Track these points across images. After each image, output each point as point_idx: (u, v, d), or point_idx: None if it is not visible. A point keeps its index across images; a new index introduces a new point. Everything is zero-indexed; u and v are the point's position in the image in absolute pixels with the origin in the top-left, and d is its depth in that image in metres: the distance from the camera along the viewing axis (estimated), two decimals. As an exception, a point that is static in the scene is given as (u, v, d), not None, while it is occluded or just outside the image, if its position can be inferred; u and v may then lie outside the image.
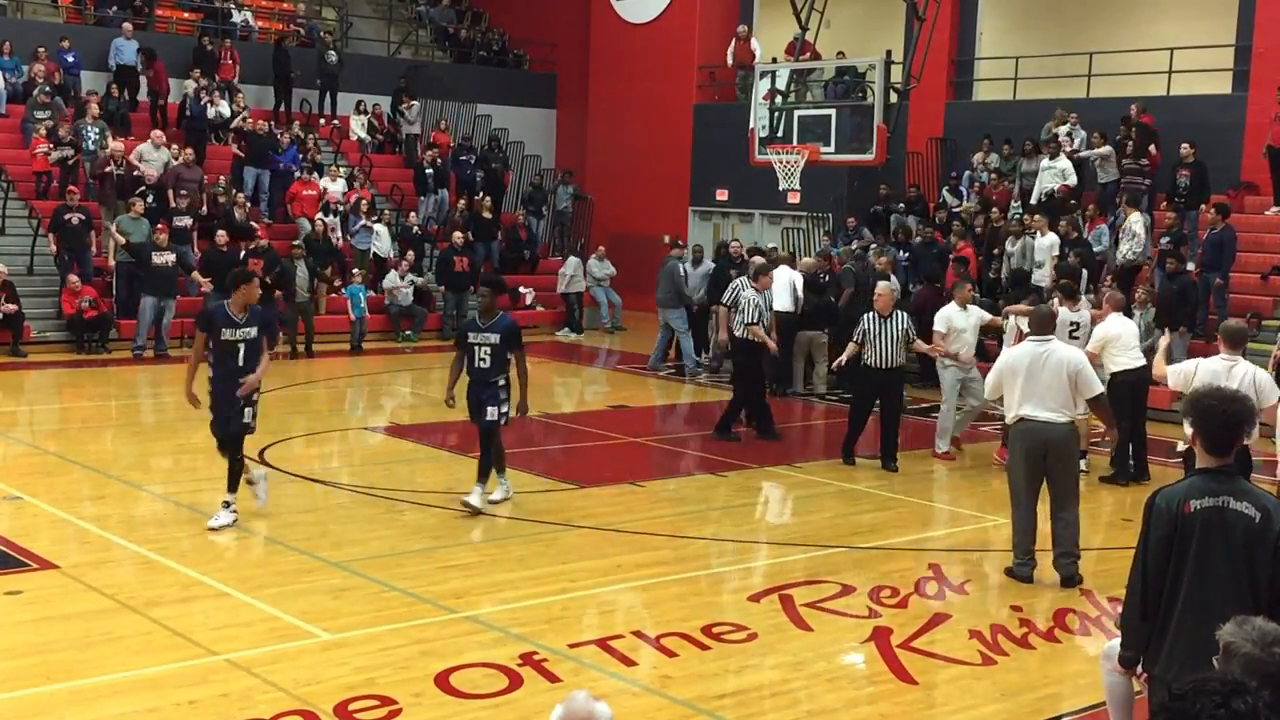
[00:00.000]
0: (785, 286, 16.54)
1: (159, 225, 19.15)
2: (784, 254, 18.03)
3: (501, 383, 10.37)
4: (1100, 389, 9.17)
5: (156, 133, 21.98)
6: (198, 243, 20.50)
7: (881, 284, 13.48)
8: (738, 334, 13.98)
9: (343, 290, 21.30)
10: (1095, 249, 17.92)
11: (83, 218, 19.41)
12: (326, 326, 20.56)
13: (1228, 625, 3.67)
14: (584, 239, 26.23)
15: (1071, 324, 12.72)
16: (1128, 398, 11.88)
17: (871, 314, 12.74)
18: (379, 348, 20.76)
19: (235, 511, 9.79)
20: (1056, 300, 12.96)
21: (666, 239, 23.03)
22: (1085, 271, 16.62)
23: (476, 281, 22.91)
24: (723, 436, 14.02)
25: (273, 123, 24.07)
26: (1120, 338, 12.11)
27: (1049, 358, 8.99)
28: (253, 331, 9.74)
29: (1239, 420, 4.79)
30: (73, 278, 18.79)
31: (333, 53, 25.81)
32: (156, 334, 18.85)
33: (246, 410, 9.78)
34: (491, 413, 10.32)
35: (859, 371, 12.87)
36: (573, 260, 23.87)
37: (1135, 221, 17.63)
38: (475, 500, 10.39)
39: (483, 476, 10.48)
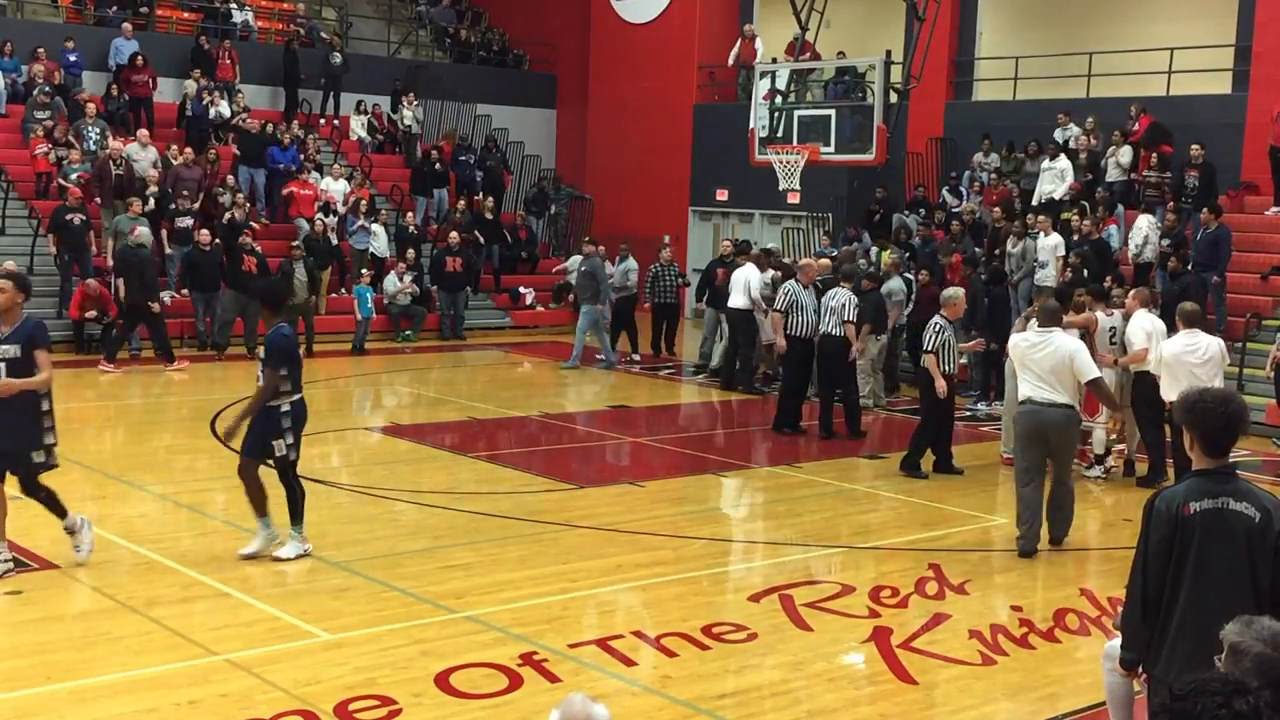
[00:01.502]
0: (741, 285, 16.72)
1: (132, 229, 19.05)
2: (755, 252, 18.07)
3: (285, 408, 8.78)
4: (1097, 373, 9.90)
5: (142, 132, 21.96)
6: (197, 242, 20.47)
7: (955, 291, 12.92)
8: (836, 333, 14.05)
9: (347, 290, 21.30)
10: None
11: (83, 218, 19.38)
12: (327, 327, 20.54)
13: (1232, 625, 3.65)
14: (583, 239, 26.22)
15: (1110, 329, 12.58)
16: (1155, 397, 11.61)
17: (940, 319, 12.36)
18: (378, 348, 20.75)
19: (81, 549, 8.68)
20: (1088, 304, 12.68)
21: (667, 239, 23.07)
22: (1085, 271, 16.64)
23: (476, 281, 23.12)
24: (858, 436, 14.31)
25: (280, 124, 24.05)
26: (1152, 334, 12.06)
27: (1049, 346, 9.78)
28: (12, 350, 8.13)
29: (1238, 419, 4.79)
30: (91, 282, 18.73)
31: (338, 54, 25.83)
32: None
33: (35, 445, 8.27)
34: (278, 446, 8.78)
35: (929, 378, 12.31)
36: (576, 258, 23.87)
37: (1144, 223, 17.74)
38: (286, 551, 8.91)
39: (294, 517, 8.96)
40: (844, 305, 14.05)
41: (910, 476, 12.33)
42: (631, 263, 20.31)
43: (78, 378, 17.38)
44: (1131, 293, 13.01)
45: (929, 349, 12.21)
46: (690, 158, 26.68)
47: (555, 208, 26.74)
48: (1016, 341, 10.21)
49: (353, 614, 7.95)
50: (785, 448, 13.90)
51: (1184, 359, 10.98)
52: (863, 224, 21.68)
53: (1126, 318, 12.47)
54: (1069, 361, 9.69)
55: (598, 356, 19.43)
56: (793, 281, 14.75)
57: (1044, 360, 9.73)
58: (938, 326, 12.26)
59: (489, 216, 24.23)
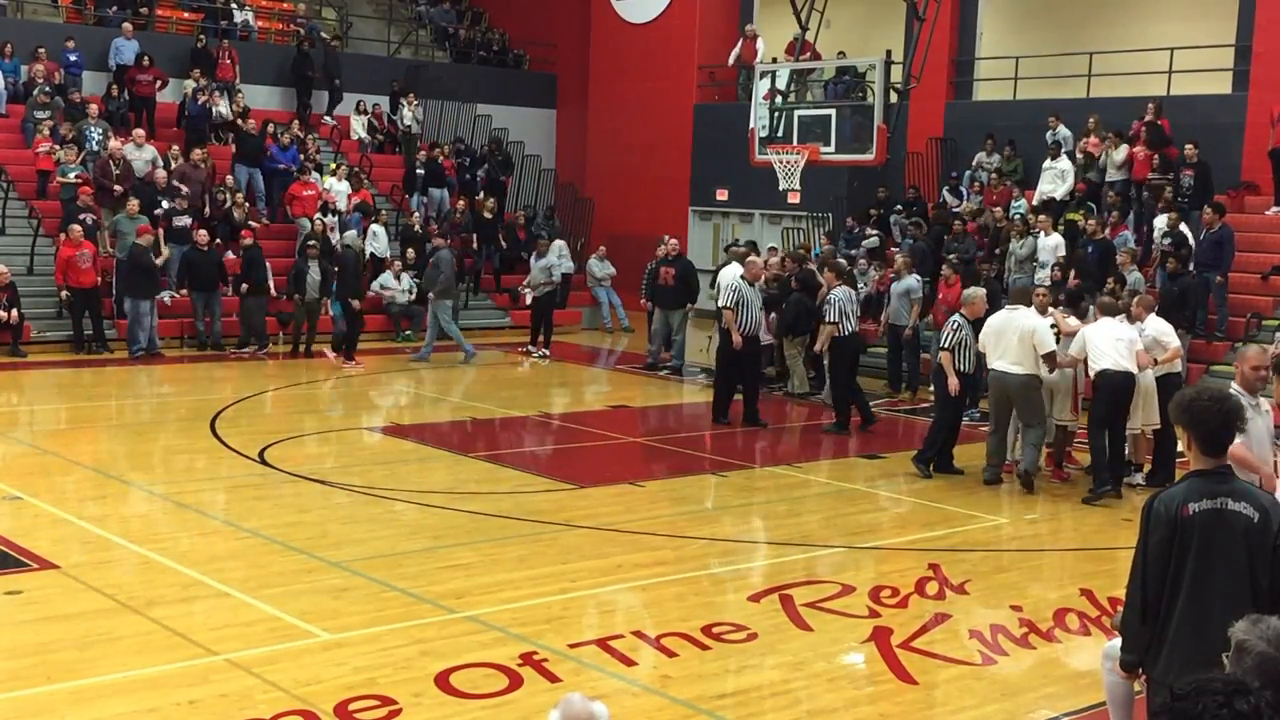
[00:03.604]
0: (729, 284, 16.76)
1: (141, 226, 19.04)
2: (741, 249, 18.04)
3: None
4: (1052, 347, 11.52)
5: (138, 131, 21.96)
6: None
7: (976, 290, 12.82)
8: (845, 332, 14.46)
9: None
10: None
11: (94, 218, 19.40)
12: (321, 327, 20.46)
13: (1240, 623, 3.65)
14: (584, 239, 26.24)
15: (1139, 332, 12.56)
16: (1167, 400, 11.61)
17: (959, 318, 12.32)
18: (378, 348, 20.73)
19: None
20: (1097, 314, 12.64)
21: (666, 238, 23.02)
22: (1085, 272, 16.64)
23: (476, 282, 23.10)
24: (838, 430, 14.63)
25: (280, 124, 24.06)
26: (1163, 335, 12.04)
27: (1014, 323, 11.58)
28: None
29: (1235, 417, 4.79)
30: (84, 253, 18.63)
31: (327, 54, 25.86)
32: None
33: None
34: None
35: (943, 376, 12.29)
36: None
37: (1163, 221, 17.84)
38: None
39: None
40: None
41: (918, 473, 12.33)
42: (552, 258, 20.39)
43: (77, 377, 17.41)
44: (1136, 299, 12.96)
45: (945, 346, 12.22)
46: (690, 158, 26.68)
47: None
48: (989, 321, 11.84)
49: (353, 614, 7.95)
50: (785, 448, 13.89)
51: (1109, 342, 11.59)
52: (863, 224, 21.67)
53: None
54: (1030, 335, 11.39)
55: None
56: (739, 278, 14.78)
57: (1012, 336, 11.48)
58: (956, 325, 12.28)
59: (488, 216, 24.22)
